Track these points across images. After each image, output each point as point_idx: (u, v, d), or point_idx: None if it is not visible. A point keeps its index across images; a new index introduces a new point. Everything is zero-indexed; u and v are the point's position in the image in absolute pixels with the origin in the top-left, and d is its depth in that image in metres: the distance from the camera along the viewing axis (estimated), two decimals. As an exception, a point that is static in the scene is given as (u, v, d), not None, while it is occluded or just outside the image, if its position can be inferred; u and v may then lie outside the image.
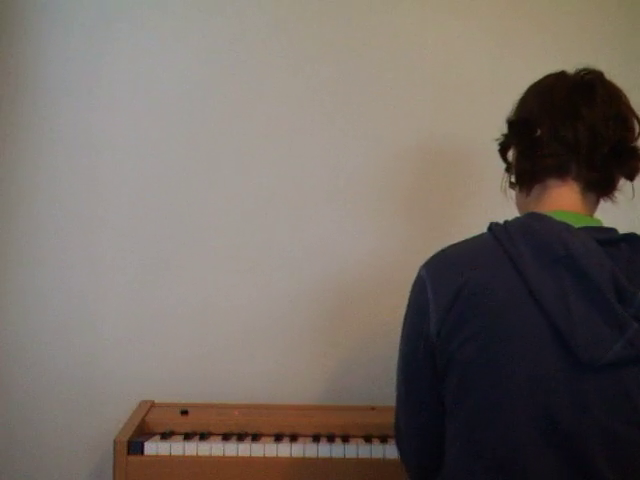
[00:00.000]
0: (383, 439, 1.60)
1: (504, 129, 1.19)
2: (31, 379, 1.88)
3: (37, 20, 1.89)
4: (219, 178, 1.91)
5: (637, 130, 1.13)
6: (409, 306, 1.14)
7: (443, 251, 1.13)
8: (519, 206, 1.21)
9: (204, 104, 1.92)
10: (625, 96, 1.14)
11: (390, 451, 1.52)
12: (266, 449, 1.51)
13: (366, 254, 1.90)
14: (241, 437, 1.59)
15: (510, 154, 1.21)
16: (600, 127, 1.09)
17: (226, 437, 1.59)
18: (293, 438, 1.60)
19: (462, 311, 1.04)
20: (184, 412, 1.70)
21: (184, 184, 1.91)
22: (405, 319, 1.15)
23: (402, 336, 1.16)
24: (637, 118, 1.13)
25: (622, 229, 1.09)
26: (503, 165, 1.20)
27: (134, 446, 1.50)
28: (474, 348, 1.03)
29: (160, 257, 1.90)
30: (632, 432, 1.00)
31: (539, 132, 1.11)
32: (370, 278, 1.88)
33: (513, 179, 1.22)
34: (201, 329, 1.90)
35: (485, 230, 1.11)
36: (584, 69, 1.15)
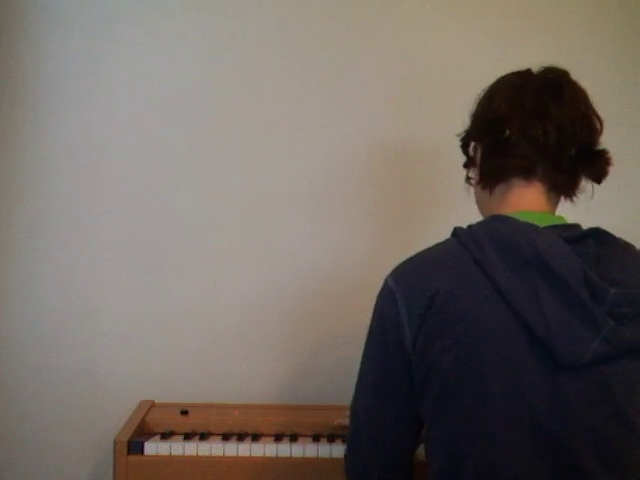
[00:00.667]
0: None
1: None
2: (31, 379, 1.87)
3: (37, 20, 1.89)
4: (219, 178, 1.91)
5: (600, 131, 1.13)
6: (377, 317, 1.12)
7: (409, 260, 1.11)
8: (480, 203, 1.20)
9: (204, 104, 1.92)
10: (588, 96, 1.14)
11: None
12: (266, 449, 1.51)
13: (370, 256, 1.90)
14: (241, 437, 1.59)
15: (471, 149, 1.20)
16: (567, 127, 1.09)
17: (226, 437, 1.59)
18: (293, 438, 1.59)
19: (436, 320, 1.03)
20: (184, 412, 1.70)
21: (184, 183, 1.91)
22: (372, 331, 1.13)
23: (369, 348, 1.13)
24: (599, 119, 1.13)
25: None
26: None
27: (134, 446, 1.50)
28: (451, 357, 1.01)
29: (160, 257, 1.90)
30: (617, 428, 1.00)
31: (508, 132, 1.11)
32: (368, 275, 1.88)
33: (472, 174, 1.21)
34: (201, 329, 1.90)
35: (449, 235, 1.11)
36: (550, 68, 1.15)
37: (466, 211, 1.26)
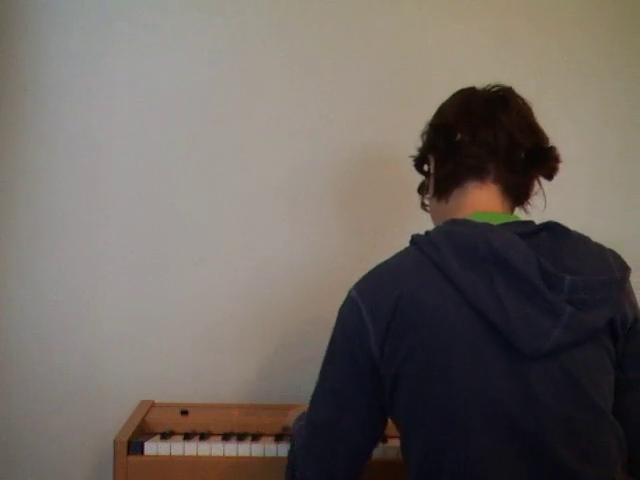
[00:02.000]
0: (383, 439, 1.60)
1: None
2: (31, 379, 1.87)
3: (37, 20, 1.89)
4: (218, 178, 1.91)
5: (546, 139, 1.16)
6: (340, 328, 1.13)
7: (371, 272, 1.13)
8: (437, 216, 1.22)
9: (204, 104, 1.92)
10: (532, 111, 1.18)
11: (390, 451, 1.51)
12: (266, 449, 1.51)
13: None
14: (241, 437, 1.59)
15: (425, 167, 1.24)
16: (516, 134, 1.12)
17: (226, 437, 1.59)
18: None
19: (400, 326, 1.04)
20: (184, 412, 1.70)
21: (184, 184, 1.91)
22: (334, 341, 1.14)
23: (331, 358, 1.14)
24: (542, 132, 1.16)
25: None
26: None
27: (134, 446, 1.50)
28: (417, 362, 1.03)
29: (160, 257, 1.90)
30: (585, 414, 1.01)
31: (459, 136, 1.14)
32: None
33: (428, 195, 1.24)
34: (201, 329, 1.90)
35: (408, 244, 1.13)
36: (495, 85, 1.19)
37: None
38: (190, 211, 1.91)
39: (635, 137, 1.95)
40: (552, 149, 1.16)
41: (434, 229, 1.12)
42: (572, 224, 1.12)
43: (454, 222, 1.10)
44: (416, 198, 1.30)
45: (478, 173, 1.14)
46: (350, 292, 1.12)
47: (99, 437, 1.85)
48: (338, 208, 1.92)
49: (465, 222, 1.09)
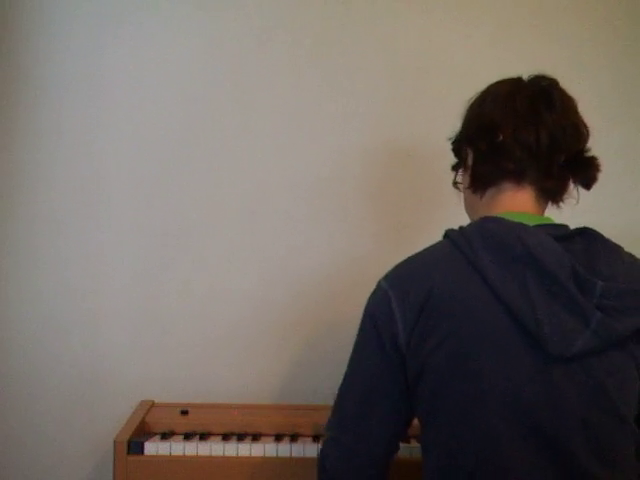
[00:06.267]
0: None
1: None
2: (31, 379, 1.87)
3: (37, 20, 1.89)
4: (219, 179, 1.91)
5: (587, 138, 1.15)
6: (369, 318, 1.12)
7: (403, 263, 1.13)
8: (470, 207, 1.22)
9: (204, 104, 1.92)
10: (576, 104, 1.16)
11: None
12: (266, 449, 1.51)
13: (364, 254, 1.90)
14: (241, 437, 1.59)
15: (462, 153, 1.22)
16: (558, 134, 1.11)
17: (226, 437, 1.59)
18: (293, 438, 1.60)
19: (429, 319, 1.04)
20: (184, 412, 1.70)
21: (184, 184, 1.91)
22: (363, 332, 1.13)
23: (359, 348, 1.14)
24: (585, 127, 1.15)
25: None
26: None
27: (134, 446, 1.50)
28: (444, 354, 1.03)
29: (160, 257, 1.90)
30: (608, 421, 1.01)
31: (501, 137, 1.13)
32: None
33: (459, 178, 1.24)
34: (201, 329, 1.90)
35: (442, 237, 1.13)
36: (540, 76, 1.17)
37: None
38: (190, 211, 1.91)
39: (636, 137, 1.95)
40: (593, 158, 1.15)
41: (468, 225, 1.12)
42: (606, 221, 1.11)
43: (489, 219, 1.09)
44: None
45: (516, 176, 1.14)
46: (380, 282, 1.12)
47: (99, 437, 1.85)
48: (341, 207, 1.92)
49: (500, 220, 1.08)
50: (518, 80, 1.18)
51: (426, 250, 1.13)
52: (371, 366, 1.11)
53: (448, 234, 1.11)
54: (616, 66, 1.94)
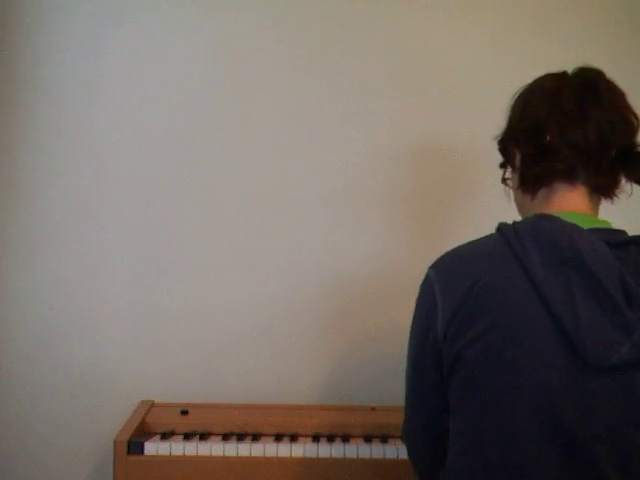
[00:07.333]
0: (383, 439, 1.60)
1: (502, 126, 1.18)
2: (31, 379, 1.87)
3: (37, 20, 1.89)
4: (219, 179, 1.91)
5: (638, 129, 1.12)
6: (417, 308, 1.14)
7: (451, 252, 1.12)
8: (521, 206, 1.21)
9: (204, 105, 1.92)
10: (625, 95, 1.13)
11: (390, 451, 1.51)
12: (266, 449, 1.51)
13: (367, 255, 1.90)
14: (241, 437, 1.59)
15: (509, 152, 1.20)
16: (607, 129, 1.09)
17: (226, 437, 1.59)
18: (293, 438, 1.60)
19: (469, 312, 1.03)
20: (184, 412, 1.70)
21: (185, 185, 1.91)
22: (413, 322, 1.14)
23: (410, 339, 1.15)
24: (636, 117, 1.12)
25: (618, 225, 1.09)
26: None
27: (134, 446, 1.50)
28: (480, 348, 1.02)
29: (160, 257, 1.90)
30: (637, 433, 0.99)
31: (548, 137, 1.10)
32: (370, 279, 1.88)
33: (508, 175, 1.21)
34: (201, 329, 1.89)
35: (493, 230, 1.11)
36: (585, 68, 1.15)
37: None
38: (190, 212, 1.90)
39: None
40: None
41: (521, 221, 1.09)
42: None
43: (543, 217, 1.07)
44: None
45: (567, 176, 1.11)
46: (428, 270, 1.12)
47: (99, 437, 1.85)
48: (347, 209, 1.91)
49: (554, 219, 1.05)
50: (563, 74, 1.15)
51: (476, 241, 1.11)
52: (417, 350, 1.13)
53: (500, 228, 1.09)
54: (617, 66, 1.93)
